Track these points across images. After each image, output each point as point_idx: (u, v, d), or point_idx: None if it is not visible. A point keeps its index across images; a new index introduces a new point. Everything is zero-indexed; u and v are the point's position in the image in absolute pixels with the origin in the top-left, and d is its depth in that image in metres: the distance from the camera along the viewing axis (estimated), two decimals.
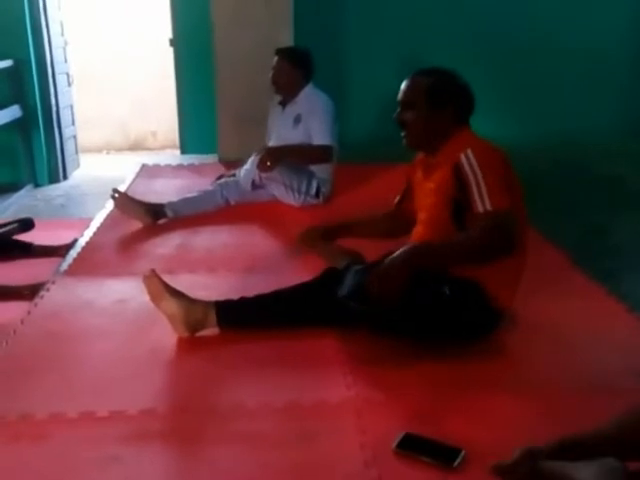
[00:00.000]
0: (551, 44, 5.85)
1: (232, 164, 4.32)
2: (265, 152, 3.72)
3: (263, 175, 3.73)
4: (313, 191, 3.83)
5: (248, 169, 3.80)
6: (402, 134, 2.29)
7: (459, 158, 2.11)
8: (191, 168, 4.88)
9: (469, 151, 2.11)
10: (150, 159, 5.40)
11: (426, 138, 2.27)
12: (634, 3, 5.95)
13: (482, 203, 2.04)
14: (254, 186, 3.81)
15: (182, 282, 2.44)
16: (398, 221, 2.57)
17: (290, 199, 3.82)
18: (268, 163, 3.66)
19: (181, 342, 2.28)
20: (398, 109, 2.29)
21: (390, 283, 1.98)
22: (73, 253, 3.19)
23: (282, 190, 3.81)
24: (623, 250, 3.34)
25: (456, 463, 1.63)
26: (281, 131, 3.87)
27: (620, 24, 5.97)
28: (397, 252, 2.03)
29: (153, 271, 2.30)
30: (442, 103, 2.22)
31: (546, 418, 1.82)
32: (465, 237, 2.07)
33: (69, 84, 6.09)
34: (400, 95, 2.28)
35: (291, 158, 3.76)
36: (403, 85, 2.29)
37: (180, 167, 4.97)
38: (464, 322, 2.21)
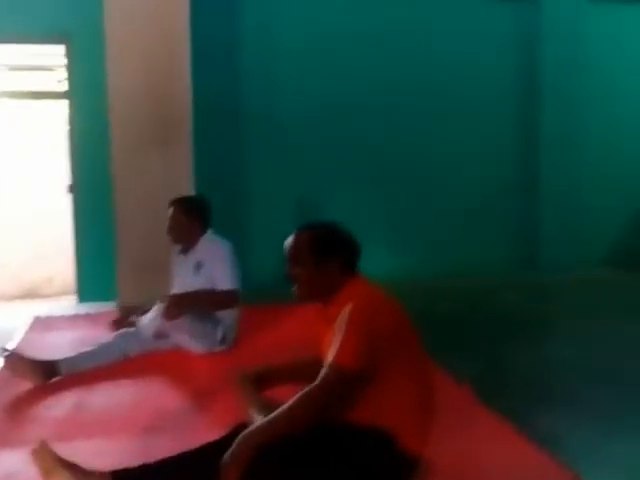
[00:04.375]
0: (446, 181, 6.26)
1: (131, 310, 4.17)
2: (170, 300, 3.64)
3: (168, 324, 3.62)
4: (218, 338, 3.74)
5: (151, 318, 3.69)
6: (293, 288, 2.29)
7: (340, 314, 2.13)
8: (88, 318, 4.67)
9: (349, 307, 2.13)
10: (45, 307, 5.16)
11: (316, 292, 2.27)
12: (520, 140, 6.50)
13: (330, 355, 2.09)
14: (157, 335, 3.69)
15: (76, 449, 2.28)
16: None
17: (194, 347, 3.71)
18: (173, 311, 3.57)
19: None
20: (286, 265, 2.29)
21: (232, 475, 1.96)
22: None
23: (186, 338, 3.71)
24: (525, 384, 3.40)
25: None
26: (183, 278, 3.82)
27: (509, 160, 6.49)
28: (231, 448, 2.01)
29: (43, 442, 2.12)
30: (326, 257, 2.24)
31: None
32: (295, 401, 2.07)
33: None
34: (286, 251, 2.30)
35: (196, 305, 3.69)
36: (288, 241, 2.30)
37: (76, 317, 4.76)
38: (378, 476, 2.14)
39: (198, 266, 3.77)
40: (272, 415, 2.09)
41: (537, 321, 4.62)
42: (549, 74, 6.36)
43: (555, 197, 6.43)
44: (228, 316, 3.79)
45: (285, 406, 2.09)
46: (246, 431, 2.07)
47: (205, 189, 4.51)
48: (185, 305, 3.63)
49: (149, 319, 3.69)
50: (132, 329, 3.75)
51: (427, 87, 6.19)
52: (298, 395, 2.10)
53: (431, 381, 2.31)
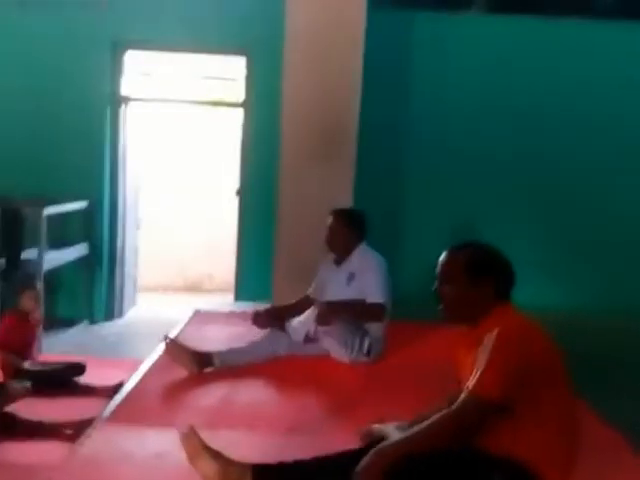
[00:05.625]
0: (617, 214, 5.90)
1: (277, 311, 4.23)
2: (324, 306, 3.74)
3: (320, 329, 3.72)
4: (365, 349, 3.78)
5: (302, 321, 3.80)
6: (440, 307, 2.26)
7: (485, 337, 2.08)
8: (243, 315, 4.89)
9: (495, 331, 2.07)
10: (205, 302, 5.48)
11: (464, 313, 2.23)
12: None
13: (472, 380, 2.04)
14: (307, 339, 3.79)
15: (221, 438, 2.39)
16: None
17: (341, 354, 3.77)
18: (327, 317, 3.67)
19: None
20: (436, 282, 2.26)
21: None
22: (118, 398, 3.18)
23: (335, 345, 3.77)
24: None
25: None
26: (335, 288, 3.90)
27: None
28: (365, 459, 2.00)
29: (192, 428, 2.26)
30: (479, 278, 2.18)
31: None
32: (432, 422, 2.05)
33: (137, 227, 6.39)
34: (437, 269, 2.26)
35: (347, 314, 3.76)
36: (440, 259, 2.27)
37: (232, 314, 5.02)
38: None
39: (350, 277, 3.84)
40: (408, 433, 2.09)
41: None
42: None
43: None
44: (376, 328, 3.82)
45: (422, 425, 2.08)
46: (381, 445, 2.08)
47: (363, 204, 4.59)
48: (338, 313, 3.71)
49: (301, 322, 3.81)
50: (282, 332, 3.88)
51: (600, 125, 5.85)
52: (436, 416, 2.09)
53: (577, 419, 2.20)
